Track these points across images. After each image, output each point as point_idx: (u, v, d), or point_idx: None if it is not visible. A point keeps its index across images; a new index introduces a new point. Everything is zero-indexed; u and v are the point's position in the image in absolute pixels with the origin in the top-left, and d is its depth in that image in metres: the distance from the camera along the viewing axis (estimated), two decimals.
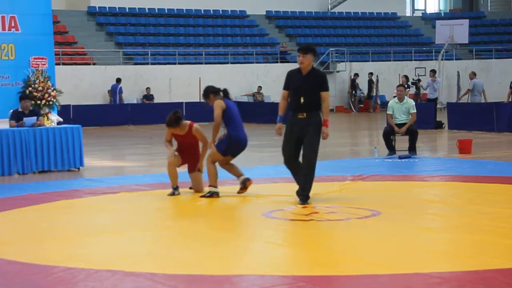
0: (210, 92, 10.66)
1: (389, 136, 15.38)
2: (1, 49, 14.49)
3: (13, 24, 14.55)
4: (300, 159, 9.69)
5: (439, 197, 10.64)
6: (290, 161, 9.70)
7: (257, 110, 28.97)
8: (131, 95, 32.40)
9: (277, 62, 37.08)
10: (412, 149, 15.16)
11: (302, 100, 9.52)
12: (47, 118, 14.45)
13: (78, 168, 14.35)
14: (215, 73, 33.29)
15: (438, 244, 7.35)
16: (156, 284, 5.96)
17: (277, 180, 11.75)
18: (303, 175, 9.59)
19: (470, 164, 13.68)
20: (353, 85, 37.52)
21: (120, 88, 31.46)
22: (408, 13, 49.05)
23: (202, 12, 39.76)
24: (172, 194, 10.54)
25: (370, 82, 37.05)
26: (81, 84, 32.17)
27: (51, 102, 14.66)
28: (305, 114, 9.55)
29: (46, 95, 14.55)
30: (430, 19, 45.17)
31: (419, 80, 31.35)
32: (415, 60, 39.78)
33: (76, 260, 6.76)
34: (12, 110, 14.07)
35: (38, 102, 14.45)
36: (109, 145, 20.98)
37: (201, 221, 8.97)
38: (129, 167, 15.25)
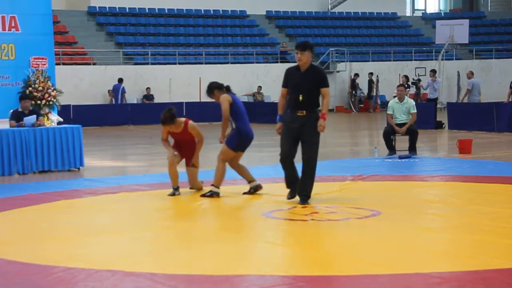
0: (214, 87, 10.62)
1: (389, 136, 15.38)
2: (1, 49, 14.49)
3: (13, 24, 14.55)
4: (299, 159, 9.64)
5: (439, 197, 10.64)
6: (287, 158, 9.56)
7: (257, 110, 28.94)
8: (131, 95, 32.41)
9: (277, 62, 37.08)
10: (412, 149, 15.16)
11: (301, 98, 9.44)
12: (47, 118, 14.45)
13: (78, 168, 14.35)
14: (215, 73, 33.26)
15: (438, 244, 7.35)
16: (156, 284, 5.96)
17: (277, 180, 11.73)
18: (304, 175, 9.56)
19: (470, 164, 13.68)
20: (353, 85, 37.52)
21: (123, 88, 31.51)
22: (408, 13, 49.05)
23: (202, 12, 39.77)
24: (173, 194, 10.53)
25: (370, 82, 37.05)
26: (81, 84, 32.18)
27: (51, 102, 14.67)
28: (304, 111, 9.47)
29: (46, 95, 14.55)
30: (430, 19, 45.17)
31: (419, 80, 31.36)
32: (415, 60, 39.79)
33: (76, 260, 6.75)
34: (12, 110, 14.07)
35: (38, 102, 14.45)
36: (109, 145, 20.99)
37: (201, 221, 8.98)
38: (129, 167, 15.25)
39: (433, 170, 13.16)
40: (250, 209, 9.81)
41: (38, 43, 14.79)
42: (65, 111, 20.83)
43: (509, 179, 11.62)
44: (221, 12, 40.38)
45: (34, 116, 14.05)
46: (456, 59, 39.90)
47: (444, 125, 23.37)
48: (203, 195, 10.32)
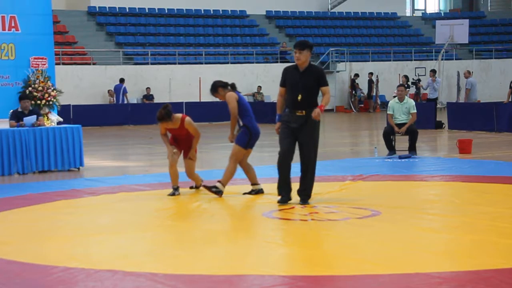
0: (219, 86, 10.60)
1: (389, 136, 15.38)
2: (1, 49, 14.49)
3: (13, 24, 14.56)
4: (296, 160, 9.60)
5: (439, 197, 10.64)
6: (286, 158, 9.43)
7: (257, 110, 28.96)
8: (131, 95, 32.43)
9: (277, 62, 37.09)
10: (412, 149, 15.16)
11: (299, 98, 9.35)
12: (47, 118, 14.45)
13: (78, 168, 14.35)
14: (215, 73, 33.25)
15: (438, 244, 7.35)
16: (157, 284, 5.95)
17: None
18: (303, 175, 9.54)
19: (470, 164, 13.68)
20: (353, 85, 37.54)
21: (125, 88, 31.56)
22: (408, 13, 49.07)
23: (202, 12, 39.78)
24: (173, 194, 10.54)
25: (370, 82, 37.07)
26: (81, 84, 32.19)
27: (51, 102, 14.67)
28: (303, 111, 9.38)
29: (46, 95, 14.56)
30: (430, 19, 45.19)
31: (419, 80, 31.38)
32: (415, 60, 39.80)
33: (76, 260, 6.75)
34: (12, 110, 14.08)
35: (38, 102, 14.46)
36: (109, 145, 20.99)
37: (201, 221, 8.97)
38: (129, 167, 15.25)
39: (433, 170, 13.15)
40: (250, 209, 9.81)
41: (38, 43, 14.80)
42: (65, 111, 20.85)
43: (509, 179, 11.62)
44: (221, 12, 40.39)
45: (34, 116, 14.05)
46: (456, 59, 39.91)
47: (444, 125, 23.37)
48: (206, 187, 10.28)
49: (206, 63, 35.70)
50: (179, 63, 35.12)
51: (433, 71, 26.61)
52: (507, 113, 21.42)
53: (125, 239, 7.84)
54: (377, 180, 11.92)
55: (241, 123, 10.35)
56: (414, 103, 15.72)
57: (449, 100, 31.21)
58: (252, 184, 10.53)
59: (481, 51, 42.36)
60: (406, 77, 29.22)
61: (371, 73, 37.21)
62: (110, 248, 7.45)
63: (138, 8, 38.39)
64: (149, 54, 35.14)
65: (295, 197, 9.61)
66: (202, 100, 31.91)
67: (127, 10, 38.27)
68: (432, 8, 51.48)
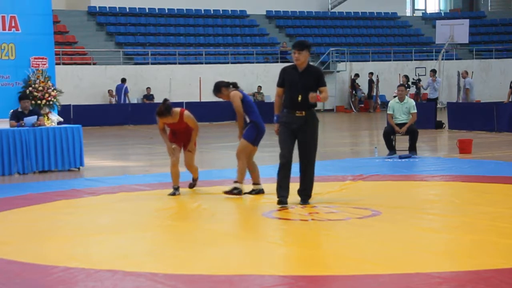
0: (222, 86, 10.61)
1: (389, 136, 15.38)
2: (1, 49, 14.49)
3: (13, 24, 14.56)
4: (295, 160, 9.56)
5: (439, 197, 10.64)
6: (288, 160, 9.38)
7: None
8: (131, 95, 32.44)
9: (277, 62, 37.09)
10: (412, 149, 15.16)
11: (299, 98, 9.31)
12: (48, 118, 14.45)
13: (78, 168, 14.35)
14: (215, 73, 33.27)
15: (438, 244, 7.35)
16: (157, 284, 5.96)
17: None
18: (303, 175, 9.53)
19: (470, 164, 13.67)
20: (353, 85, 37.53)
21: (126, 87, 31.59)
22: (408, 13, 49.06)
23: (202, 12, 39.78)
24: (173, 194, 10.54)
25: (370, 82, 37.06)
26: (81, 84, 32.19)
27: (51, 102, 14.67)
28: (303, 112, 9.35)
29: (47, 95, 14.56)
30: (430, 19, 45.19)
31: (419, 80, 31.37)
32: (415, 60, 39.80)
33: (76, 260, 6.75)
34: (12, 110, 14.08)
35: (39, 102, 14.46)
36: (109, 145, 20.99)
37: (201, 221, 8.97)
38: (129, 167, 15.25)
39: (433, 170, 13.15)
40: (250, 209, 9.81)
41: (38, 43, 14.80)
42: (65, 111, 20.84)
43: (509, 179, 11.62)
44: (221, 12, 40.39)
45: (35, 116, 14.05)
46: (456, 59, 39.91)
47: (444, 125, 23.38)
48: (227, 192, 10.24)
49: (206, 63, 35.71)
50: (179, 63, 35.12)
51: (433, 71, 26.61)
52: (507, 113, 21.42)
53: (125, 239, 7.84)
54: (377, 180, 11.92)
55: (248, 119, 10.37)
56: (414, 103, 15.72)
57: (449, 100, 31.20)
58: (254, 184, 10.53)
59: (481, 51, 42.36)
60: (406, 77, 29.22)
61: (371, 73, 37.21)
62: (110, 248, 7.45)
63: (138, 8, 38.40)
64: (149, 54, 35.15)
65: (295, 197, 9.60)
66: (202, 100, 31.93)
67: (127, 10, 38.27)
68: (432, 8, 51.48)
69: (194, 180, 11.00)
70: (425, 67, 37.33)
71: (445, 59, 35.79)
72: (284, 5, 41.73)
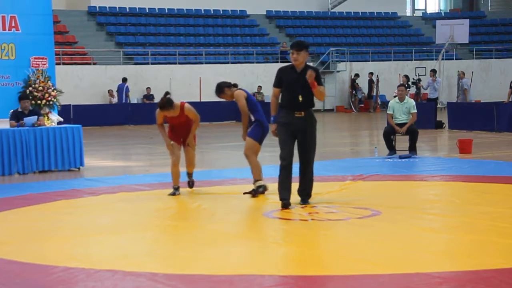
0: (225, 86, 10.61)
1: (389, 136, 15.38)
2: (1, 49, 14.50)
3: (13, 24, 14.56)
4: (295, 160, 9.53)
5: (439, 197, 10.64)
6: (289, 162, 9.33)
7: None
8: (131, 95, 32.46)
9: (277, 62, 37.08)
10: (412, 149, 15.16)
11: (300, 98, 9.27)
12: (48, 118, 14.45)
13: (79, 168, 14.36)
14: (215, 73, 33.29)
15: (438, 244, 7.35)
16: (157, 284, 5.96)
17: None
18: (303, 175, 9.51)
19: (470, 164, 13.67)
20: (353, 85, 37.54)
21: (127, 87, 31.60)
22: (408, 13, 49.07)
23: (202, 12, 39.78)
24: (173, 194, 10.53)
25: (371, 82, 37.07)
26: (81, 84, 32.19)
27: (51, 102, 14.68)
28: (303, 112, 9.34)
29: (47, 95, 14.56)
30: (430, 19, 45.20)
31: (419, 80, 31.38)
32: (415, 60, 39.81)
33: (76, 260, 6.75)
34: (12, 110, 14.08)
35: (39, 102, 14.46)
36: (109, 145, 21.00)
37: (202, 221, 8.97)
38: (129, 167, 15.25)
39: (433, 170, 13.15)
40: (250, 209, 9.80)
41: (38, 43, 14.80)
42: (65, 111, 20.84)
43: (509, 179, 11.62)
44: (221, 12, 40.39)
45: (35, 116, 14.05)
46: (456, 59, 39.91)
47: (444, 125, 23.38)
48: (251, 193, 10.20)
49: (206, 63, 35.71)
50: (179, 63, 35.13)
51: (434, 71, 26.61)
52: (507, 113, 21.42)
53: (125, 239, 7.84)
54: (377, 180, 11.92)
55: (252, 118, 10.37)
56: (414, 103, 15.72)
57: (450, 100, 31.21)
58: (255, 182, 10.51)
59: (481, 51, 42.36)
60: (406, 77, 29.22)
61: (371, 73, 37.21)
62: (110, 248, 7.45)
63: (139, 8, 38.40)
64: (149, 54, 35.15)
65: (295, 197, 9.60)
66: (202, 100, 31.92)
67: (127, 10, 38.27)
68: (432, 8, 51.49)
69: (190, 175, 10.88)
70: (425, 67, 37.33)
71: (445, 59, 35.79)
72: (284, 5, 41.74)
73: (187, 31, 38.53)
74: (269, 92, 34.72)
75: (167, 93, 10.56)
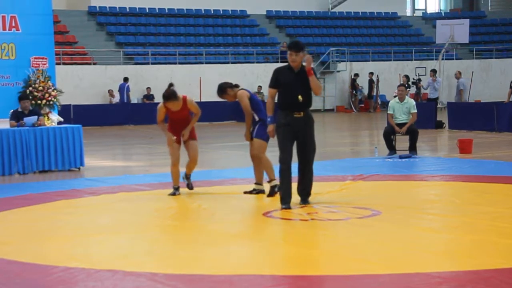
0: (227, 87, 10.59)
1: (389, 136, 15.38)
2: (1, 48, 14.50)
3: (13, 24, 14.56)
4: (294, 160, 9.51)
5: (439, 197, 10.64)
6: (289, 164, 9.28)
7: None
8: (131, 95, 32.44)
9: (277, 62, 37.07)
10: (412, 148, 15.16)
11: (300, 99, 9.25)
12: (48, 118, 14.46)
13: (79, 168, 14.36)
14: (215, 73, 33.30)
15: (438, 244, 7.35)
16: (157, 284, 5.96)
17: (278, 180, 11.72)
18: (303, 175, 9.51)
19: (470, 164, 13.67)
20: (354, 85, 37.53)
21: (128, 86, 31.61)
22: (408, 13, 49.07)
23: (203, 12, 39.78)
24: (173, 194, 10.53)
25: (371, 82, 37.07)
26: (82, 84, 32.20)
27: (51, 102, 14.68)
28: (302, 113, 9.32)
29: (47, 95, 14.56)
30: (430, 19, 45.20)
31: (419, 80, 31.38)
32: (415, 60, 39.81)
33: (76, 260, 6.75)
34: (12, 110, 14.08)
35: (39, 102, 14.46)
36: (109, 145, 21.00)
37: (201, 221, 8.97)
38: (129, 167, 15.25)
39: (433, 170, 13.15)
40: (250, 209, 9.81)
41: (38, 43, 14.80)
42: (65, 111, 20.82)
43: (509, 179, 11.61)
44: (221, 12, 40.39)
45: (35, 116, 14.06)
46: (456, 59, 39.92)
47: (444, 125, 23.38)
48: (269, 195, 10.15)
49: (206, 63, 35.71)
50: (180, 63, 35.13)
51: (434, 71, 26.61)
52: (507, 113, 21.42)
53: (125, 239, 7.84)
54: (377, 180, 11.92)
55: (256, 118, 10.36)
56: (414, 103, 15.72)
57: (450, 100, 31.21)
58: (256, 183, 10.51)
59: (482, 51, 42.36)
60: (406, 77, 29.21)
61: (371, 73, 37.21)
62: (110, 248, 7.45)
63: (139, 8, 38.40)
64: (150, 54, 35.15)
65: (295, 196, 9.59)
66: (202, 100, 31.91)
67: (128, 10, 38.27)
68: (432, 8, 51.49)
69: (188, 177, 10.79)
70: (425, 67, 37.33)
71: (445, 59, 35.80)
72: (284, 5, 41.74)
73: (187, 31, 38.53)
74: None
75: (171, 84, 10.54)
